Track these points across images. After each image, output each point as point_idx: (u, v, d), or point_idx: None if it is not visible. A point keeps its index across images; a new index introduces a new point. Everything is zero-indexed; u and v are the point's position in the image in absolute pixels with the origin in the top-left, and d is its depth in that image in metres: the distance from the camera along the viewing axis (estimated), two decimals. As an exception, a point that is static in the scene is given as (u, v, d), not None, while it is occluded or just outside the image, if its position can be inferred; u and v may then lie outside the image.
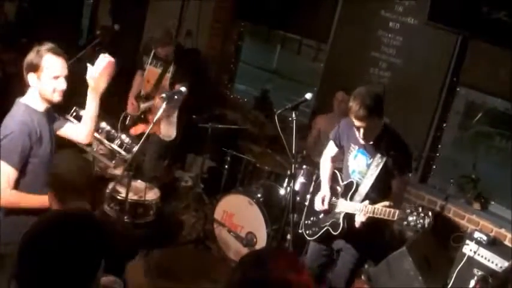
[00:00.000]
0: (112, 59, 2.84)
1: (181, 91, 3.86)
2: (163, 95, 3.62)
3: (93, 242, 1.63)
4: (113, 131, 3.44)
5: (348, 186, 3.35)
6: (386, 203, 3.00)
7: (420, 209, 2.86)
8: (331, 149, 3.61)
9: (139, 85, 5.02)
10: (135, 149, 3.38)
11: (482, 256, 3.96)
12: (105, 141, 3.33)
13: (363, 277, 4.37)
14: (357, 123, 3.12)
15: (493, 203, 4.67)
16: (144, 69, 4.95)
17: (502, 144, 8.76)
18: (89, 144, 3.23)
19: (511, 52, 4.27)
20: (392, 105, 4.38)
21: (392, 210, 2.95)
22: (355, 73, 5.33)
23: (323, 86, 5.65)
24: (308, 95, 3.30)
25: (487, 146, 8.68)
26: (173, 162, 6.17)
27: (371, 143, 3.23)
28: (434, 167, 5.02)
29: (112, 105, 6.26)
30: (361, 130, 3.13)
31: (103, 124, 3.32)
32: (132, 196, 4.12)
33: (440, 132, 4.95)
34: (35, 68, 2.68)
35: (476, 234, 4.06)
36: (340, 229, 3.30)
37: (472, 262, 3.99)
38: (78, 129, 3.03)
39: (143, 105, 4.89)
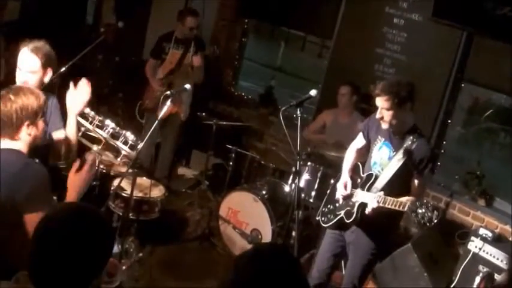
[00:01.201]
0: (85, 80, 2.92)
1: (186, 88, 3.89)
2: (168, 92, 3.63)
3: (103, 233, 1.66)
4: (118, 128, 3.44)
5: (367, 178, 3.37)
6: (404, 198, 3.00)
7: (430, 203, 2.88)
8: (358, 141, 3.62)
9: (154, 70, 5.42)
10: (140, 145, 3.38)
11: (487, 253, 3.95)
12: (110, 139, 3.32)
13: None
14: (377, 101, 3.14)
15: (497, 199, 4.67)
16: (166, 54, 5.35)
17: (507, 141, 8.72)
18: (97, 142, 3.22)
19: (516, 48, 4.27)
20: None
21: (403, 201, 2.96)
22: (359, 70, 5.32)
23: (327, 83, 5.64)
24: (312, 92, 3.29)
25: (491, 143, 8.65)
26: (177, 159, 6.18)
27: (395, 134, 3.25)
28: (439, 163, 5.01)
29: (115, 102, 6.30)
30: (383, 112, 3.14)
31: (107, 121, 3.32)
32: (137, 193, 4.13)
33: (445, 128, 4.95)
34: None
35: (481, 231, 4.06)
36: (353, 217, 3.31)
37: (477, 259, 3.99)
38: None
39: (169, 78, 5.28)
